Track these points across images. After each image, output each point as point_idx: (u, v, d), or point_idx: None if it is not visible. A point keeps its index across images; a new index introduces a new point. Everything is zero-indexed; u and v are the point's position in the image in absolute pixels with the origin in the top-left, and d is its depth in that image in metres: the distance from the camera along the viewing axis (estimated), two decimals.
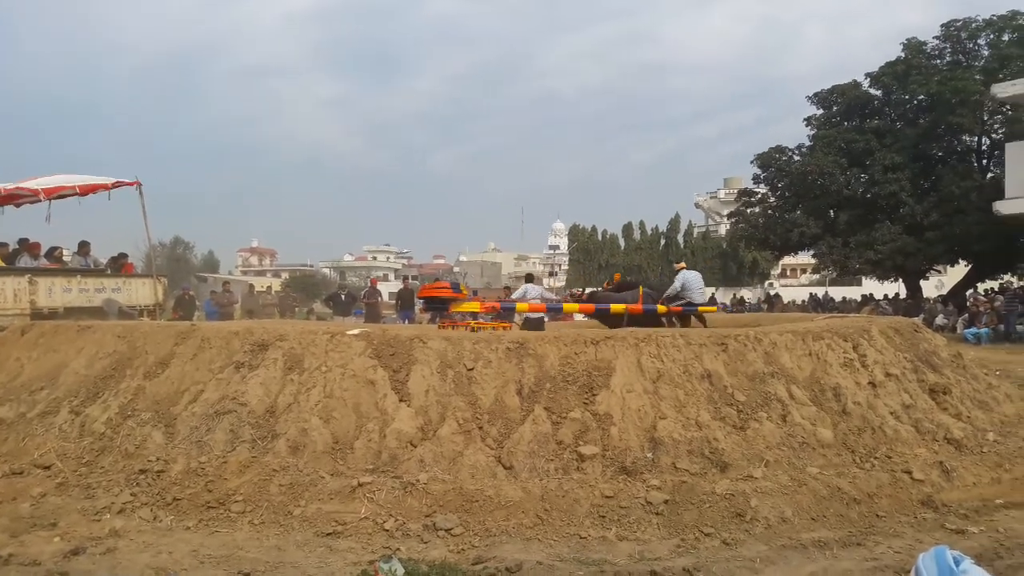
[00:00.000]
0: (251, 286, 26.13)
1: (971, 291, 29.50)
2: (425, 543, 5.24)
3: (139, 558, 4.98)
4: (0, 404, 7.49)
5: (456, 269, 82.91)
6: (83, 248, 15.81)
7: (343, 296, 23.23)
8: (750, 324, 10.78)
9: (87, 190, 14.65)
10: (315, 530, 5.39)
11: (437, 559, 4.95)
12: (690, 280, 12.51)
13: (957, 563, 1.49)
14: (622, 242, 59.26)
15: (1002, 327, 22.16)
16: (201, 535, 5.38)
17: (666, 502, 5.65)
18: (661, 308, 12.33)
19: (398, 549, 5.09)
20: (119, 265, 16.56)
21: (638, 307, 12.02)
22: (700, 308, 12.57)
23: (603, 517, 5.54)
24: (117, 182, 15.09)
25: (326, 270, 79.12)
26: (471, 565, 4.87)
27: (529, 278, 15.88)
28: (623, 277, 15.86)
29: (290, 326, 8.26)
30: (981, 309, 23.33)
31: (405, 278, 27.75)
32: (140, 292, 15.54)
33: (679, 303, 12.37)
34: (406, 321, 19.47)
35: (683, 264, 13.43)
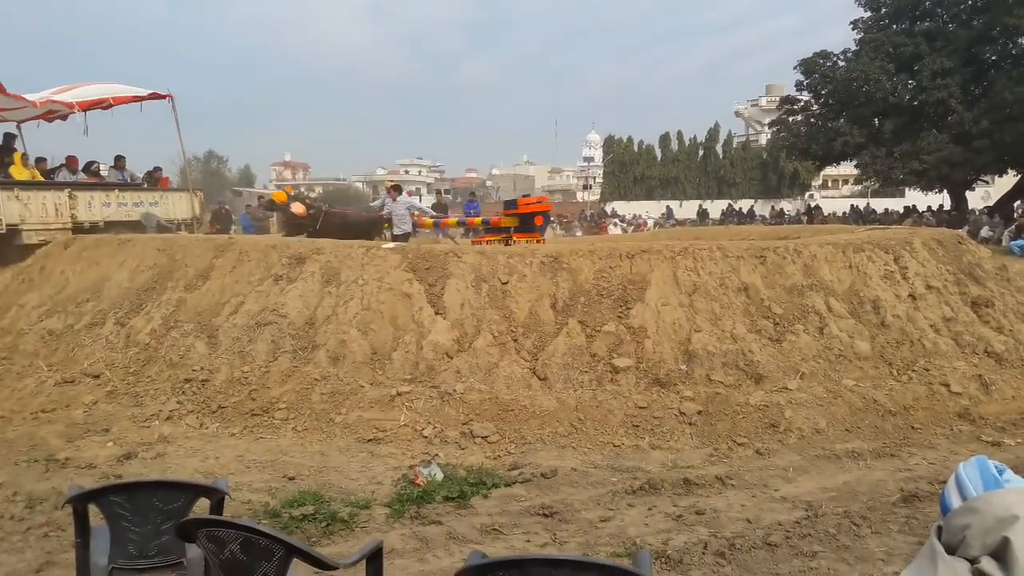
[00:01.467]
0: None
1: (1019, 202, 28.70)
2: (463, 449, 5.40)
3: (188, 463, 5.20)
4: (49, 316, 7.72)
5: (488, 183, 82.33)
6: (119, 162, 15.94)
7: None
8: (789, 236, 10.64)
9: (120, 101, 14.68)
10: (356, 436, 5.57)
11: (474, 464, 5.11)
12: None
13: (1000, 472, 1.47)
14: (659, 153, 58.12)
15: None
16: (246, 441, 5.59)
17: (700, 413, 5.72)
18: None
19: (437, 455, 5.25)
20: (155, 179, 16.70)
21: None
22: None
23: (636, 427, 5.64)
24: (151, 93, 15.08)
25: (359, 184, 78.96)
26: (507, 471, 5.01)
27: (396, 189, 14.45)
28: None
29: (326, 240, 8.32)
30: None
31: (438, 192, 27.64)
32: (177, 206, 15.72)
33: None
34: (440, 236, 19.53)
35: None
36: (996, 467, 1.52)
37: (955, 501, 1.51)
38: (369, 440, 5.51)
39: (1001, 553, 1.34)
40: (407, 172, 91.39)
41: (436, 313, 6.65)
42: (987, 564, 1.36)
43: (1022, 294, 8.18)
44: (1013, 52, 28.59)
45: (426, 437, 5.52)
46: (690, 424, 5.65)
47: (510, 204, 12.48)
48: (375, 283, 6.85)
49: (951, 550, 1.44)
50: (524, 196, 16.54)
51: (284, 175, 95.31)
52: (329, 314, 6.67)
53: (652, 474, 4.95)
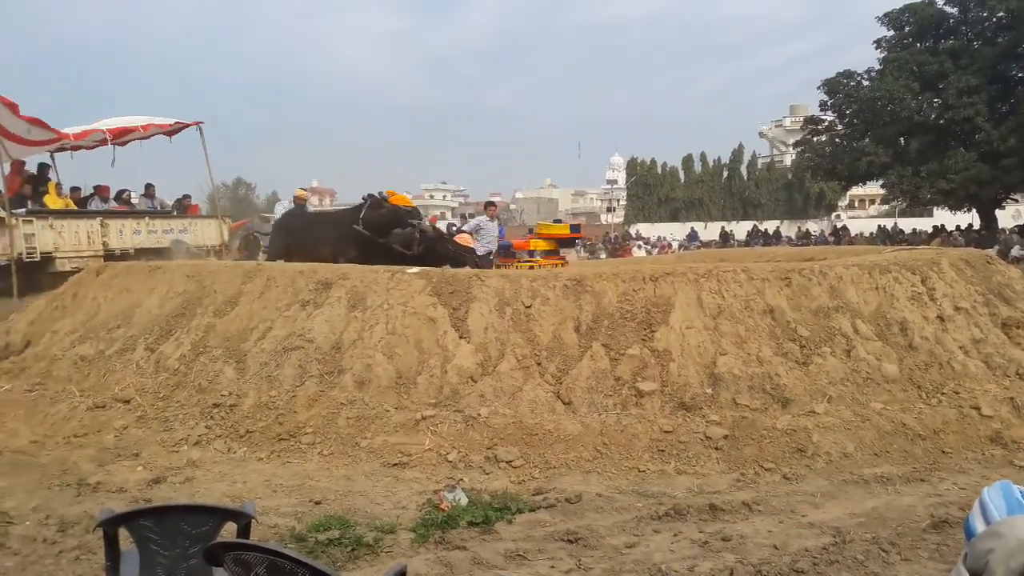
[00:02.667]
0: None
1: None
2: (487, 474, 5.40)
3: (216, 487, 5.25)
4: (82, 342, 7.86)
5: (512, 206, 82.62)
6: (149, 190, 16.27)
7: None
8: (816, 257, 10.57)
9: (151, 129, 15.01)
10: (382, 461, 5.59)
11: (499, 489, 5.10)
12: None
13: None
14: (682, 175, 58.04)
15: None
16: (273, 466, 5.64)
17: (726, 437, 5.68)
18: None
19: (461, 479, 5.26)
20: (184, 206, 17.01)
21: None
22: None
23: (662, 451, 5.61)
24: (178, 123, 15.40)
25: None
26: (532, 495, 5.01)
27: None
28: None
29: (351, 266, 8.41)
30: None
31: (462, 216, 28.01)
32: (206, 232, 15.98)
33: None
34: None
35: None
36: (1021, 491, 1.51)
37: (979, 526, 1.51)
38: (394, 464, 5.53)
39: None
40: (431, 196, 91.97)
41: (460, 337, 6.68)
42: None
43: None
44: None
45: (450, 461, 5.53)
46: (716, 449, 5.61)
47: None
48: (400, 307, 6.90)
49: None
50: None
51: (312, 201, 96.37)
52: (355, 339, 6.73)
53: (678, 499, 4.92)
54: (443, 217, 56.81)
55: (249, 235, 21.04)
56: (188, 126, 15.50)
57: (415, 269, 7.54)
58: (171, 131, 15.44)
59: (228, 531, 2.85)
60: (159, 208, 16.03)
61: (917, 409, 6.13)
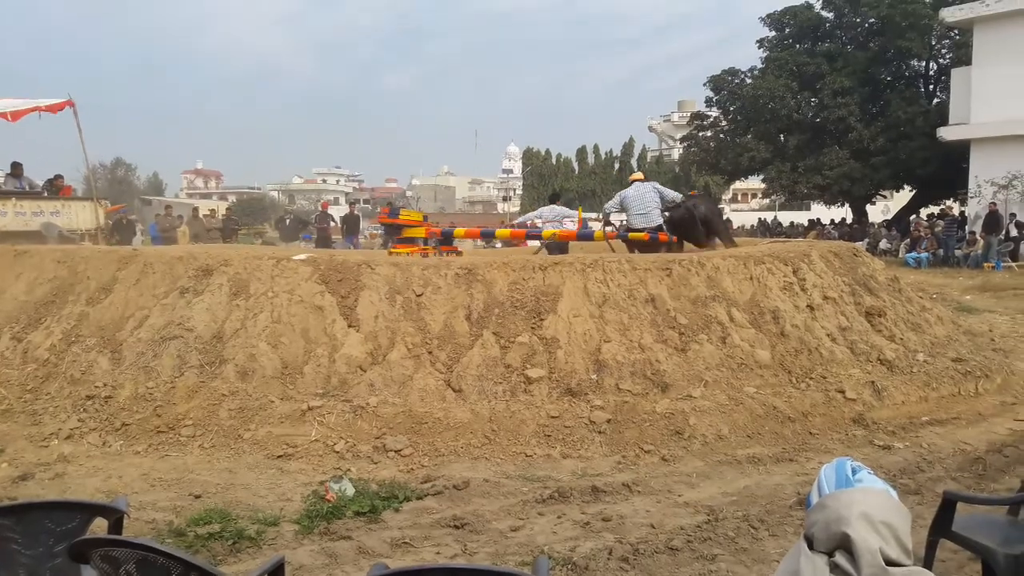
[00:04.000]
0: (195, 209, 25.53)
1: (914, 216, 30.28)
2: (375, 463, 5.39)
3: (88, 482, 5.04)
4: None
5: (409, 193, 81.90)
6: (16, 169, 15.23)
7: (288, 221, 23.07)
8: (697, 249, 10.95)
9: (19, 116, 14.09)
10: (266, 453, 5.49)
11: (387, 478, 5.11)
12: (629, 198, 10.70)
13: (854, 472, 1.61)
14: (576, 166, 59.00)
15: (941, 251, 22.90)
16: (151, 459, 5.45)
17: (608, 421, 5.86)
18: (598, 233, 11.04)
19: (348, 470, 5.23)
20: (55, 188, 16.04)
21: (572, 232, 11.14)
22: (632, 234, 10.65)
23: (548, 436, 5.74)
24: (50, 105, 14.50)
25: (274, 193, 77.48)
26: (420, 483, 5.03)
27: (553, 197, 14.19)
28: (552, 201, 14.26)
29: (235, 251, 8.17)
30: (922, 234, 24.04)
31: (352, 203, 27.34)
32: (80, 215, 15.13)
33: (611, 228, 10.99)
34: (351, 247, 19.43)
35: (639, 175, 11.52)
36: (853, 467, 1.66)
37: (814, 499, 1.66)
38: (279, 456, 5.44)
39: (848, 547, 1.47)
40: (324, 181, 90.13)
41: (349, 326, 6.62)
42: (840, 558, 1.50)
43: (912, 304, 8.68)
44: (906, 74, 30.29)
45: (338, 452, 5.49)
46: (600, 432, 5.78)
47: None
48: (286, 295, 6.77)
49: (811, 546, 1.57)
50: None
51: (196, 183, 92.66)
52: (238, 327, 6.56)
53: (562, 483, 5.05)
54: (335, 203, 55.68)
55: (121, 219, 20.10)
56: (60, 108, 14.60)
57: (302, 255, 7.41)
58: (47, 108, 14.50)
59: (100, 528, 2.76)
60: (27, 189, 15.06)
61: (787, 393, 6.47)
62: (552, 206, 12.92)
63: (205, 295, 6.86)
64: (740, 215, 53.44)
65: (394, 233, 11.52)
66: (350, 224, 21.81)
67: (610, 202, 11.09)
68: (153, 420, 5.82)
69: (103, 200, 17.16)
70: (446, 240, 11.56)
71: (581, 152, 59.04)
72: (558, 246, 11.41)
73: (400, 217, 11.26)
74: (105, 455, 5.53)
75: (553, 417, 5.90)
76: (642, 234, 10.37)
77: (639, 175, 11.57)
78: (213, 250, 8.43)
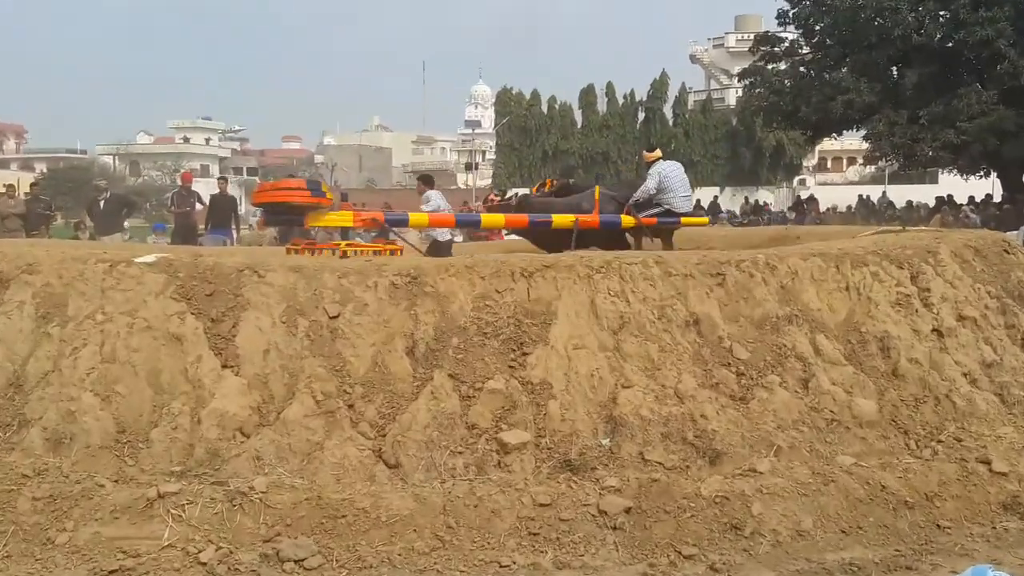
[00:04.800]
0: None
1: None
2: None
3: None
4: None
5: (319, 158, 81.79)
6: None
7: (103, 201, 21.85)
8: (765, 244, 10.99)
9: None
10: (91, 566, 5.40)
11: None
12: (671, 177, 12.64)
13: None
14: (579, 117, 59.07)
15: None
16: None
17: (628, 511, 5.84)
18: (628, 220, 12.39)
19: None
20: None
21: (594, 218, 12.09)
22: (684, 220, 12.83)
23: (535, 535, 5.71)
24: None
25: (107, 158, 77.02)
26: None
27: (427, 181, 15.94)
28: (567, 178, 15.46)
29: (44, 250, 8.08)
30: None
31: (222, 179, 25.89)
32: None
33: (653, 212, 12.47)
34: (224, 244, 19.20)
35: (658, 152, 13.44)
36: None
37: None
38: (112, 572, 5.35)
39: None
40: (187, 140, 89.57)
41: (224, 366, 6.58)
42: None
43: None
44: None
45: (204, 563, 5.41)
46: (614, 528, 5.77)
47: None
48: (125, 319, 6.71)
49: None
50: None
51: None
52: (48, 370, 6.50)
53: None
54: (205, 174, 55.35)
55: None
56: None
57: (151, 257, 7.34)
58: None
59: None
60: None
61: (903, 464, 6.49)
62: (435, 191, 15.37)
63: None
64: (831, 191, 53.76)
65: (298, 222, 11.46)
66: (221, 209, 21.19)
67: (649, 183, 12.52)
68: None
69: None
70: (383, 233, 11.57)
71: (587, 95, 59.10)
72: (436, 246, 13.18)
73: (308, 194, 11.23)
74: None
75: (542, 505, 5.87)
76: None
77: (658, 153, 13.41)
78: (9, 248, 8.32)
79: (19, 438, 6.18)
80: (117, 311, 6.78)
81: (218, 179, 25.23)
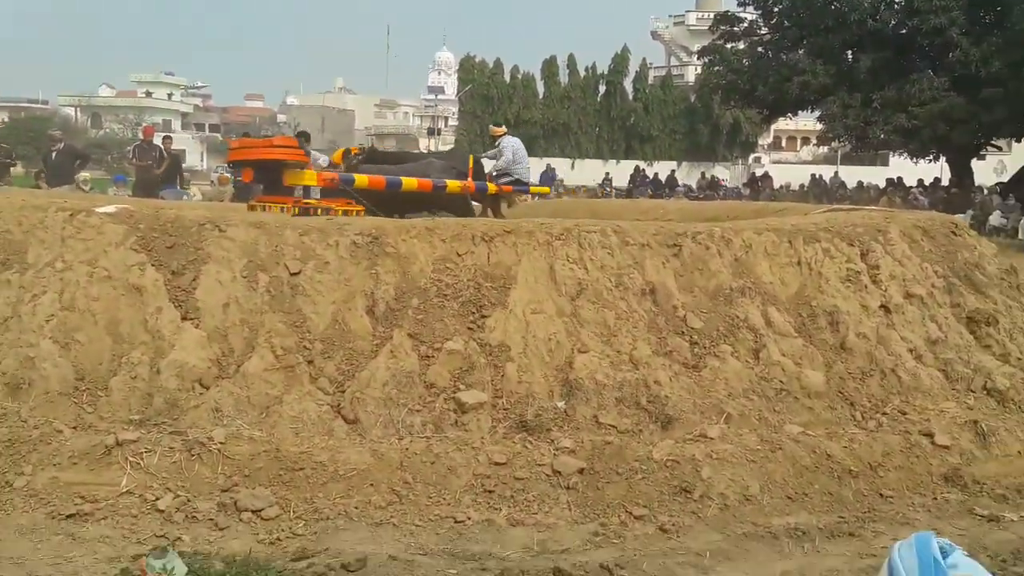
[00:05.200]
0: None
1: None
2: (221, 530, 5.35)
3: None
4: None
5: (282, 117, 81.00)
6: None
7: (55, 152, 21.55)
8: (720, 217, 11.06)
9: None
10: (49, 510, 5.40)
11: (239, 551, 5.08)
12: (519, 150, 14.40)
13: (945, 554, 1.61)
14: (541, 87, 59.01)
15: None
16: None
17: (582, 471, 5.92)
18: (492, 187, 13.40)
19: (179, 538, 5.19)
20: None
21: (469, 184, 12.70)
22: (532, 188, 14.95)
23: (490, 492, 5.78)
24: None
25: (69, 110, 75.96)
26: (291, 561, 5.02)
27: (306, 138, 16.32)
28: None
29: (3, 199, 8.00)
30: None
31: (167, 138, 25.83)
32: None
33: (508, 180, 13.92)
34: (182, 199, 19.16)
35: (504, 128, 15.77)
36: (943, 548, 1.66)
37: None
38: (70, 516, 5.36)
39: None
40: (149, 94, 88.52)
41: (184, 317, 6.58)
42: None
43: None
44: None
45: (162, 511, 5.43)
46: (568, 488, 5.84)
47: None
48: (84, 267, 6.69)
49: None
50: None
51: None
52: (7, 316, 6.47)
53: (510, 563, 5.08)
54: (167, 128, 54.72)
55: None
56: None
57: (111, 207, 7.30)
58: None
59: None
60: None
61: (849, 435, 6.59)
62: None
63: None
64: (785, 169, 54.09)
65: (264, 178, 11.45)
66: (168, 167, 21.23)
67: (507, 155, 14.11)
68: None
69: None
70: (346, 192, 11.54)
71: (549, 66, 59.08)
72: None
73: (300, 152, 11.33)
74: None
75: (498, 464, 5.93)
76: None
77: (504, 129, 15.61)
78: None
79: None
80: (77, 260, 6.75)
81: (163, 137, 25.17)
